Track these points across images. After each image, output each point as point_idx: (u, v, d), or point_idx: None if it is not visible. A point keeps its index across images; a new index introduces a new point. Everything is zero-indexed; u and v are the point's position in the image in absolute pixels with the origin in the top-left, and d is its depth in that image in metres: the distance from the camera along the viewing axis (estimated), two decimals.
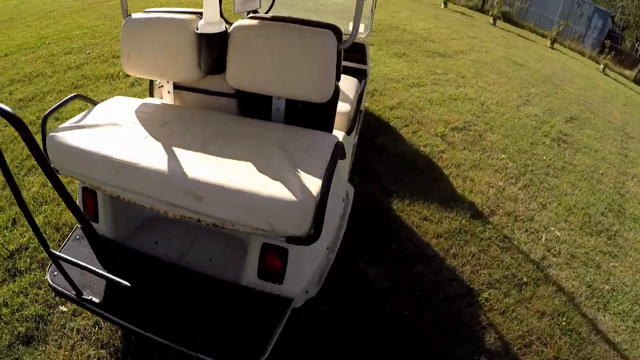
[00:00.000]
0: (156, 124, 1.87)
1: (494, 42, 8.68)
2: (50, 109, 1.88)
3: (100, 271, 1.44)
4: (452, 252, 2.54)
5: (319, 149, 1.62)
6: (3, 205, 2.65)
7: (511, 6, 13.78)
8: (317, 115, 1.97)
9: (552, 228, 2.91)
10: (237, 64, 1.90)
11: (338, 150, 1.62)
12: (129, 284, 1.43)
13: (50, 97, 4.45)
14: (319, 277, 1.72)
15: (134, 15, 2.00)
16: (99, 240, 1.64)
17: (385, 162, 3.41)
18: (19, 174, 2.89)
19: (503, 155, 3.71)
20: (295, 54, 1.76)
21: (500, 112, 4.64)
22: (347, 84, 2.65)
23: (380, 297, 2.22)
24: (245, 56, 1.87)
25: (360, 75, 3.47)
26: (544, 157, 3.87)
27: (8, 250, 2.32)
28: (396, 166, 3.38)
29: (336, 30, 1.82)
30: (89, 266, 1.43)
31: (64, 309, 1.99)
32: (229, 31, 1.87)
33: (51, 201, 2.64)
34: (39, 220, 2.49)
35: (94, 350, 1.83)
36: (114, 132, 1.77)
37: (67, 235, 1.92)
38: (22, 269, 2.21)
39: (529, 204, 3.14)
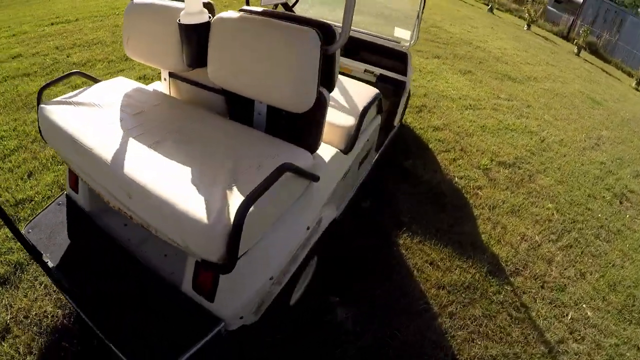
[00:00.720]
0: (132, 110, 1.83)
1: (573, 73, 7.80)
2: (48, 82, 1.98)
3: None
4: (450, 309, 2.16)
5: (273, 167, 1.39)
6: (26, 157, 2.91)
7: (599, 37, 12.38)
8: (301, 127, 1.75)
9: (583, 305, 2.40)
10: (217, 59, 1.73)
11: (294, 170, 1.43)
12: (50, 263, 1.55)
13: (101, 64, 4.55)
14: (257, 305, 1.57)
15: (135, 1, 1.96)
16: (72, 214, 1.92)
17: (408, 189, 3.05)
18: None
19: (550, 205, 3.20)
20: (274, 54, 1.57)
21: (561, 153, 4.05)
22: (359, 94, 2.35)
23: (341, 343, 1.93)
24: (225, 52, 1.70)
25: (398, 87, 3.14)
26: (599, 215, 3.29)
27: (15, 199, 2.57)
28: (419, 195, 3.01)
29: (325, 30, 1.55)
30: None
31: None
32: (211, 23, 1.70)
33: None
34: (49, 178, 2.70)
35: (51, 307, 1.94)
36: (92, 113, 1.79)
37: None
38: (21, 217, 2.43)
39: (565, 269, 2.64)
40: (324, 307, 2.09)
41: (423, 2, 2.82)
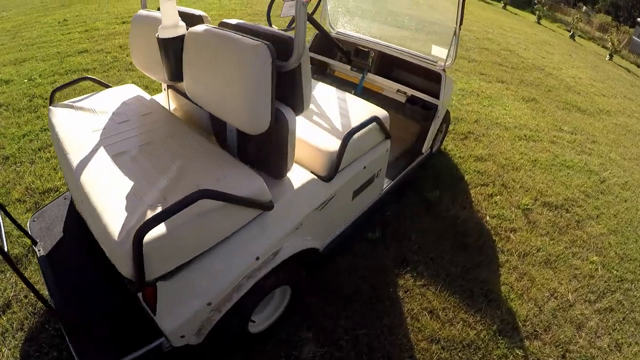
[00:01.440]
0: (119, 119, 1.90)
1: None
2: (59, 86, 2.19)
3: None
4: None
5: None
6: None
7: None
8: (266, 150, 1.70)
9: None
10: (188, 74, 1.69)
11: (215, 196, 1.33)
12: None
13: None
14: (197, 328, 1.52)
15: (141, 12, 2.04)
16: (70, 210, 2.13)
17: (427, 224, 2.79)
18: None
19: (596, 257, 2.76)
20: (228, 70, 1.50)
21: (622, 198, 3.50)
22: (357, 116, 2.16)
23: None
24: (193, 67, 1.66)
25: (428, 111, 2.89)
26: None
27: (43, 187, 2.86)
28: (438, 232, 2.73)
29: (281, 45, 1.46)
30: None
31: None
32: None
33: None
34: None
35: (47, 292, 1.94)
36: (84, 118, 1.90)
37: None
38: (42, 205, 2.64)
39: (597, 337, 2.23)
40: (293, 340, 1.94)
41: (459, 18, 2.55)
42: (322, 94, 2.44)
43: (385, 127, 2.21)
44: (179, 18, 1.69)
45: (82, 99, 2.10)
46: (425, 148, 3.04)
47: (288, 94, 1.60)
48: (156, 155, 1.63)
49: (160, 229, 1.25)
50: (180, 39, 1.65)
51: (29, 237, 1.94)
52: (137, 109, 1.99)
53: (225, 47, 1.51)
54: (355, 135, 1.97)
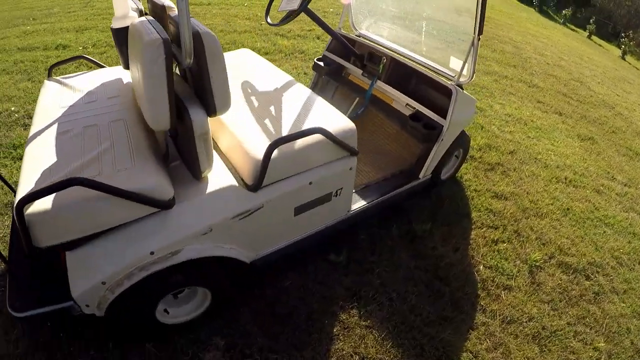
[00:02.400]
0: (88, 99, 2.00)
1: None
2: (57, 62, 2.36)
3: None
4: None
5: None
6: None
7: None
8: (187, 150, 1.70)
9: None
10: (131, 64, 1.82)
11: (94, 187, 1.36)
12: None
13: None
14: (97, 303, 1.58)
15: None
16: None
17: (402, 258, 2.41)
18: None
19: (602, 344, 2.19)
20: (136, 64, 1.56)
21: None
22: (314, 124, 1.95)
23: None
24: (131, 58, 1.75)
25: (431, 131, 2.49)
26: None
27: None
28: (411, 270, 2.36)
29: (197, 41, 1.44)
30: None
31: None
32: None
33: None
34: None
35: None
36: (65, 95, 2.04)
37: None
38: None
39: None
40: (206, 343, 1.91)
41: (478, 26, 2.13)
42: (292, 95, 2.21)
43: (343, 142, 1.92)
44: (130, 9, 1.81)
45: (73, 77, 2.24)
46: (424, 173, 2.64)
47: (202, 94, 1.58)
48: (90, 138, 1.70)
49: (44, 204, 1.35)
50: (127, 29, 1.75)
51: (10, 188, 2.27)
52: (108, 91, 2.06)
53: (134, 40, 1.57)
54: (295, 147, 1.78)
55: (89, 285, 1.50)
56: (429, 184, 2.84)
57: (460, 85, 2.45)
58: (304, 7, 2.39)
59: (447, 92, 2.46)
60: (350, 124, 1.98)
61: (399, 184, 2.57)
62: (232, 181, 1.76)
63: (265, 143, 1.76)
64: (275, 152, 1.73)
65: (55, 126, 1.78)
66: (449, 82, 2.45)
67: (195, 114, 1.53)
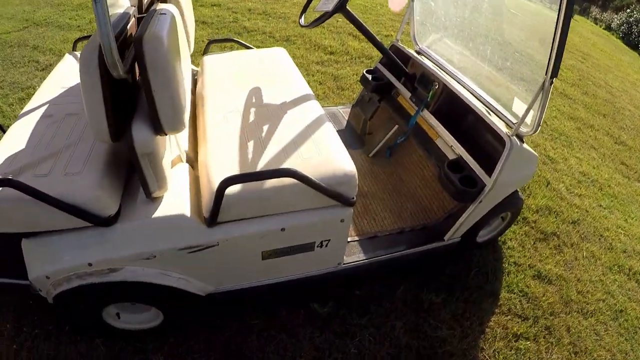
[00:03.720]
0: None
1: None
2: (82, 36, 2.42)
3: None
4: None
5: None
6: None
7: None
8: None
9: None
10: None
11: (25, 190, 1.32)
12: None
13: (261, 37, 4.62)
14: (45, 291, 1.57)
15: None
16: None
17: (395, 332, 2.01)
18: None
19: None
20: None
21: None
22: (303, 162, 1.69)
23: None
24: None
25: (467, 188, 2.01)
26: None
27: None
28: (400, 348, 1.95)
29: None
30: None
31: None
32: None
33: None
34: None
35: None
36: (68, 74, 2.05)
37: None
38: None
39: None
40: (145, 353, 1.87)
41: (553, 65, 1.60)
42: (299, 116, 1.92)
43: (329, 189, 1.59)
44: None
45: None
46: (451, 236, 2.18)
47: (150, 109, 1.39)
48: (64, 128, 1.65)
49: None
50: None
51: None
52: None
53: None
54: (264, 186, 1.54)
55: (36, 275, 1.50)
56: (457, 247, 2.36)
57: (520, 137, 1.94)
58: (336, 9, 2.03)
59: (498, 141, 1.97)
60: (350, 168, 1.64)
61: (416, 242, 2.14)
62: (186, 210, 1.55)
63: (231, 172, 1.53)
64: (237, 187, 1.50)
65: (45, 107, 1.77)
66: (506, 131, 1.95)
67: (138, 131, 1.35)
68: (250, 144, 1.73)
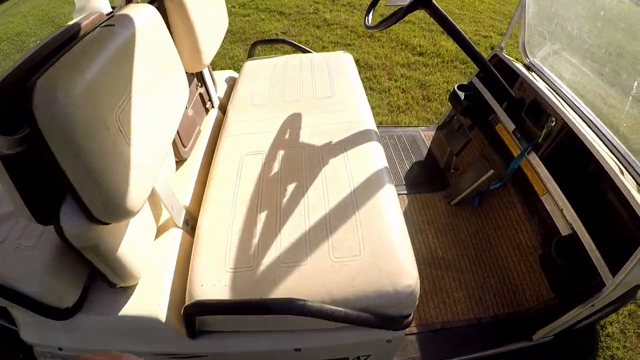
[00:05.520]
0: None
1: None
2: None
3: None
4: None
5: None
6: None
7: None
8: None
9: None
10: None
11: None
12: None
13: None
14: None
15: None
16: None
17: None
18: None
19: None
20: None
21: None
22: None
23: None
24: None
25: (581, 288, 1.35)
26: None
27: None
28: None
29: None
30: None
31: None
32: None
33: None
34: None
35: None
36: None
37: None
38: None
39: None
40: None
41: None
42: (352, 175, 1.36)
43: (375, 319, 1.03)
44: None
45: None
46: (543, 335, 1.51)
47: None
48: None
49: None
50: None
51: None
52: None
53: None
54: None
55: (23, 338, 1.26)
56: (548, 348, 1.65)
57: None
58: (416, 3, 1.42)
59: (634, 221, 1.25)
60: (410, 282, 1.06)
61: (493, 340, 1.51)
62: (161, 311, 1.12)
63: (217, 277, 1.08)
64: None
65: None
66: None
67: (67, 218, 0.92)
68: (263, 219, 1.24)
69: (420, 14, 4.82)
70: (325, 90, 1.84)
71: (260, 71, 2.02)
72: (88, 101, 0.83)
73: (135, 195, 0.95)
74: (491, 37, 4.57)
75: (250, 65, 2.05)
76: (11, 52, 4.44)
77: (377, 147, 1.50)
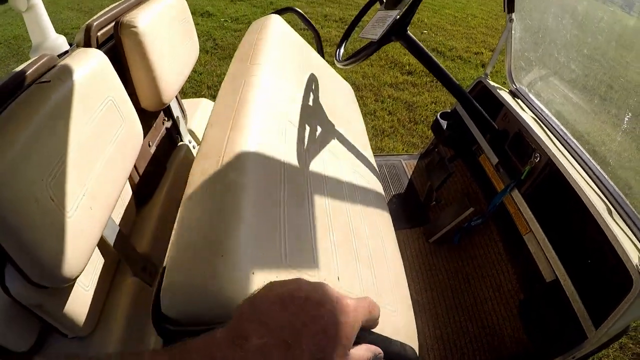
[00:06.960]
0: None
1: None
2: None
3: None
4: None
5: None
6: None
7: None
8: None
9: None
10: None
11: None
12: None
13: None
14: None
15: None
16: None
17: None
18: None
19: None
20: None
21: None
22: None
23: None
24: None
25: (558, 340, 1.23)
26: None
27: None
28: None
29: None
30: None
31: None
32: None
33: None
34: None
35: None
36: None
37: None
38: None
39: None
40: None
41: None
42: (352, 214, 1.17)
43: None
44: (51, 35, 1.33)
45: None
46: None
47: None
48: None
49: None
50: None
51: None
52: None
53: None
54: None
55: None
56: None
57: None
58: (388, 36, 1.30)
59: (625, 277, 1.12)
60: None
61: None
62: None
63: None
64: None
65: None
66: (636, 262, 1.09)
67: (10, 279, 0.86)
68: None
69: (415, 32, 4.76)
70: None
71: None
72: (14, 176, 0.76)
73: (73, 261, 0.89)
74: (482, 53, 4.50)
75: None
76: (6, 56, 4.35)
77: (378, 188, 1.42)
